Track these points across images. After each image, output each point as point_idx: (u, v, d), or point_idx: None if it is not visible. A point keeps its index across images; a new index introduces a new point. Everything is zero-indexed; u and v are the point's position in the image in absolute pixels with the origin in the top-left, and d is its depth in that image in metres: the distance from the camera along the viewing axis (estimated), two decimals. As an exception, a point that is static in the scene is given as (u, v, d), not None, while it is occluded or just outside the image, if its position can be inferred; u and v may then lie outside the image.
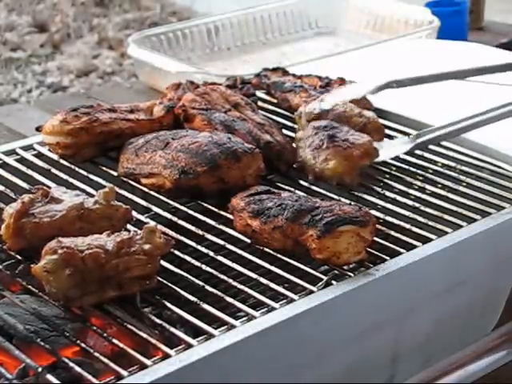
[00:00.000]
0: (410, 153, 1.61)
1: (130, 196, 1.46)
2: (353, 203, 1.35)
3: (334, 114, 1.61)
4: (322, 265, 1.29)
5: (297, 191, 1.45)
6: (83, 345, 1.14)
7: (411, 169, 1.56)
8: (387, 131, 1.66)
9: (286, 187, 1.48)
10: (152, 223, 1.34)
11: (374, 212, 1.37)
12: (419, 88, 1.86)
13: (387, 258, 1.28)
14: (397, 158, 1.59)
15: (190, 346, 1.12)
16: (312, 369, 1.23)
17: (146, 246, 1.21)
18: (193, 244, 1.34)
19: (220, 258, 1.30)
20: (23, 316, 1.24)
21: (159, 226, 1.31)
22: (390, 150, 1.54)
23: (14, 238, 1.27)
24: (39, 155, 1.62)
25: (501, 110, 1.60)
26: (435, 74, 1.71)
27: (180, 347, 1.12)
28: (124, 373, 1.07)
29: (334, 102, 1.62)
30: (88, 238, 1.20)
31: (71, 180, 1.50)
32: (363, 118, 1.61)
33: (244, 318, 1.17)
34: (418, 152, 1.62)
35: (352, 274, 1.24)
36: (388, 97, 1.78)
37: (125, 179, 1.51)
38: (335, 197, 1.45)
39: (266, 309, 1.19)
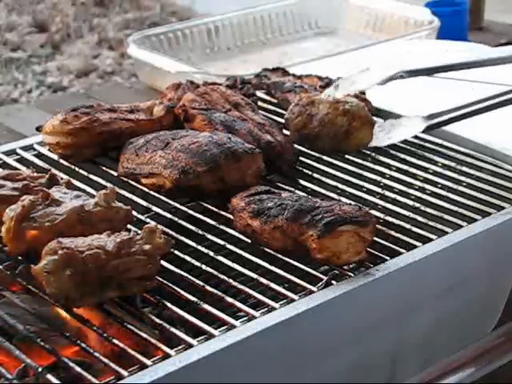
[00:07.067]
0: (410, 153, 1.61)
1: (130, 196, 1.46)
2: (353, 203, 1.35)
3: (318, 118, 1.60)
4: (322, 265, 1.29)
5: (297, 191, 1.45)
6: (83, 345, 1.14)
7: (411, 169, 1.56)
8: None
9: (286, 187, 1.48)
10: (152, 223, 1.34)
11: (374, 212, 1.37)
12: (419, 87, 1.86)
13: (387, 257, 1.28)
14: (396, 158, 1.59)
15: (190, 345, 1.12)
16: (312, 369, 1.23)
17: (147, 247, 1.21)
18: (193, 244, 1.34)
19: (220, 258, 1.30)
20: (23, 316, 1.24)
21: (159, 226, 1.31)
22: (402, 131, 1.54)
23: (14, 242, 1.26)
24: (39, 155, 1.62)
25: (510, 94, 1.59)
26: (446, 65, 1.68)
27: (180, 347, 1.12)
28: (124, 373, 1.07)
29: (346, 92, 1.64)
30: (88, 238, 1.20)
31: (71, 180, 1.49)
32: (347, 115, 1.59)
33: (244, 318, 1.17)
34: (418, 152, 1.62)
35: (352, 274, 1.24)
36: (388, 96, 1.78)
37: (125, 179, 1.51)
38: (335, 197, 1.45)
39: (266, 309, 1.19)
